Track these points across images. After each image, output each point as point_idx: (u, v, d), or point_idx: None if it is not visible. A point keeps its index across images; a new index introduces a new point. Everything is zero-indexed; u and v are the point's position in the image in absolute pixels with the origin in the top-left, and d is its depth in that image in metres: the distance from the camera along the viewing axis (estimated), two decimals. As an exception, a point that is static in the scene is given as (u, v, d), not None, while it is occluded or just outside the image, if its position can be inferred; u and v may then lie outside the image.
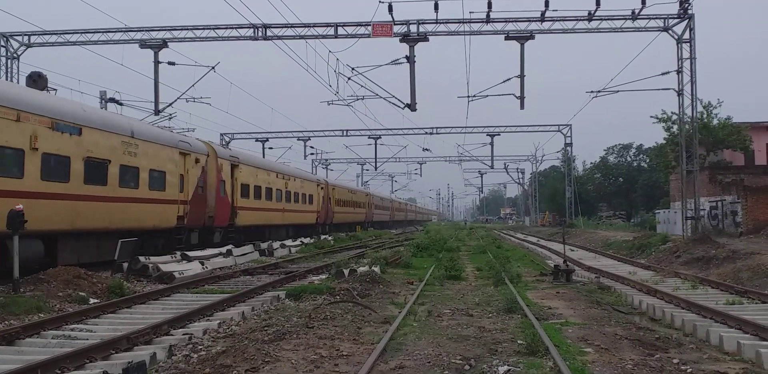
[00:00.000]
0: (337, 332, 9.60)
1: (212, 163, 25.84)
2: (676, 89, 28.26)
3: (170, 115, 32.50)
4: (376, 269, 17.68)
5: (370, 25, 27.42)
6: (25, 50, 29.89)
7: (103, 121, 18.69)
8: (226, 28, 28.99)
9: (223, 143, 53.43)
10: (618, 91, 33.50)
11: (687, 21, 27.22)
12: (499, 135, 56.83)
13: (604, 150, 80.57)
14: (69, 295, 12.96)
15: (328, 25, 28.33)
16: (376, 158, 63.74)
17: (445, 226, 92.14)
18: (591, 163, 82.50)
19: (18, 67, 29.48)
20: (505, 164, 78.72)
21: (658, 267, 20.78)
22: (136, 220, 19.92)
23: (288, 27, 28.32)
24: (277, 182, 34.33)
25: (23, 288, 12.89)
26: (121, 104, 30.91)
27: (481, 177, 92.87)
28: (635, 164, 77.54)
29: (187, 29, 29.21)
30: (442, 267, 19.84)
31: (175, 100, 31.39)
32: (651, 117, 41.29)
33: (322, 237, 38.63)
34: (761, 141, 42.27)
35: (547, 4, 26.22)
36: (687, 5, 26.81)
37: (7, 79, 28.83)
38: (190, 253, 21.07)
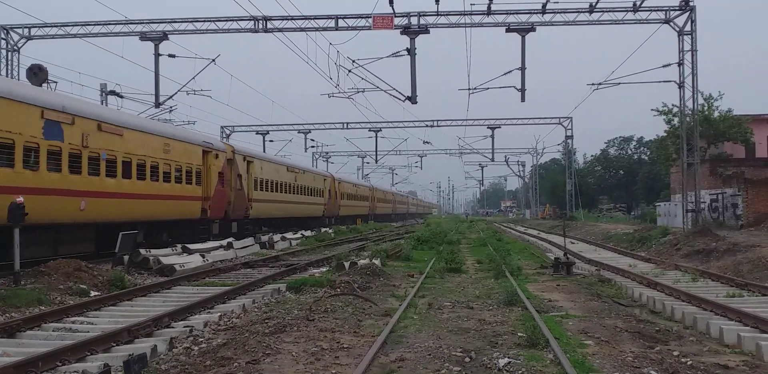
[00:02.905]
0: (338, 324, 9.60)
1: None
2: (677, 81, 28.19)
3: (171, 107, 32.49)
4: (377, 262, 17.68)
5: (370, 17, 27.33)
6: (25, 43, 29.81)
7: None
8: (227, 21, 28.90)
9: (223, 136, 53.36)
10: (619, 84, 33.47)
11: (688, 13, 27.13)
12: (499, 127, 56.81)
13: (605, 142, 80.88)
14: (70, 288, 12.98)
15: (328, 17, 28.25)
16: (376, 151, 63.77)
17: (446, 219, 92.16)
18: (592, 156, 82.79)
19: (18, 60, 29.42)
20: (505, 157, 78.75)
21: (659, 260, 20.80)
22: None
23: (288, 19, 28.22)
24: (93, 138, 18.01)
25: (24, 281, 12.92)
26: (121, 97, 30.88)
27: (482, 170, 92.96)
28: (636, 157, 77.64)
29: (188, 21, 29.12)
30: (442, 260, 19.86)
31: (176, 93, 31.43)
32: (652, 110, 41.26)
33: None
34: (762, 133, 42.16)
35: (548, -4, 26.13)
36: (688, -3, 26.72)
37: (7, 72, 28.77)
38: (191, 246, 21.10)
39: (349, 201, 56.57)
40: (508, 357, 7.55)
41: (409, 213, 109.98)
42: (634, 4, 26.68)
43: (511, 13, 27.42)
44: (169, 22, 29.09)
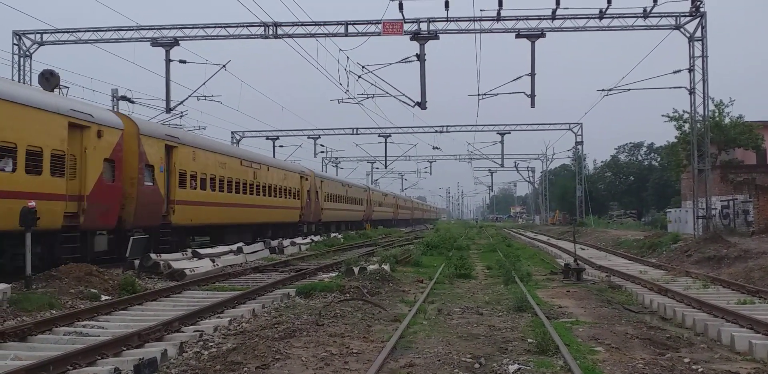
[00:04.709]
0: (347, 330, 9.61)
1: None
2: (688, 88, 28.10)
3: (181, 113, 32.66)
4: (386, 267, 17.67)
5: (380, 23, 27.38)
6: (37, 48, 30.02)
7: None
8: (237, 27, 29.04)
9: (233, 142, 53.52)
10: (629, 90, 33.40)
11: (699, 19, 27.04)
12: (509, 133, 56.59)
13: (615, 148, 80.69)
14: (81, 292, 13.02)
15: (338, 23, 28.32)
16: (386, 156, 63.73)
17: (455, 225, 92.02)
18: (602, 162, 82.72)
19: (30, 65, 29.63)
20: (515, 163, 78.49)
21: (669, 267, 20.68)
22: None
23: (298, 25, 28.34)
24: None
25: (35, 285, 12.97)
26: (132, 102, 31.05)
27: (492, 175, 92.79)
28: (646, 163, 77.36)
29: (199, 27, 29.27)
30: (452, 266, 19.82)
31: (186, 98, 31.46)
32: (662, 116, 41.08)
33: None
34: (773, 140, 41.96)
35: (558, 2, 26.01)
36: (699, 3, 26.63)
37: (19, 77, 28.99)
38: (201, 251, 21.16)
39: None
40: (518, 364, 7.53)
41: (423, 219, 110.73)
42: (645, 10, 26.61)
43: (520, 19, 27.41)
44: (180, 28, 29.25)
